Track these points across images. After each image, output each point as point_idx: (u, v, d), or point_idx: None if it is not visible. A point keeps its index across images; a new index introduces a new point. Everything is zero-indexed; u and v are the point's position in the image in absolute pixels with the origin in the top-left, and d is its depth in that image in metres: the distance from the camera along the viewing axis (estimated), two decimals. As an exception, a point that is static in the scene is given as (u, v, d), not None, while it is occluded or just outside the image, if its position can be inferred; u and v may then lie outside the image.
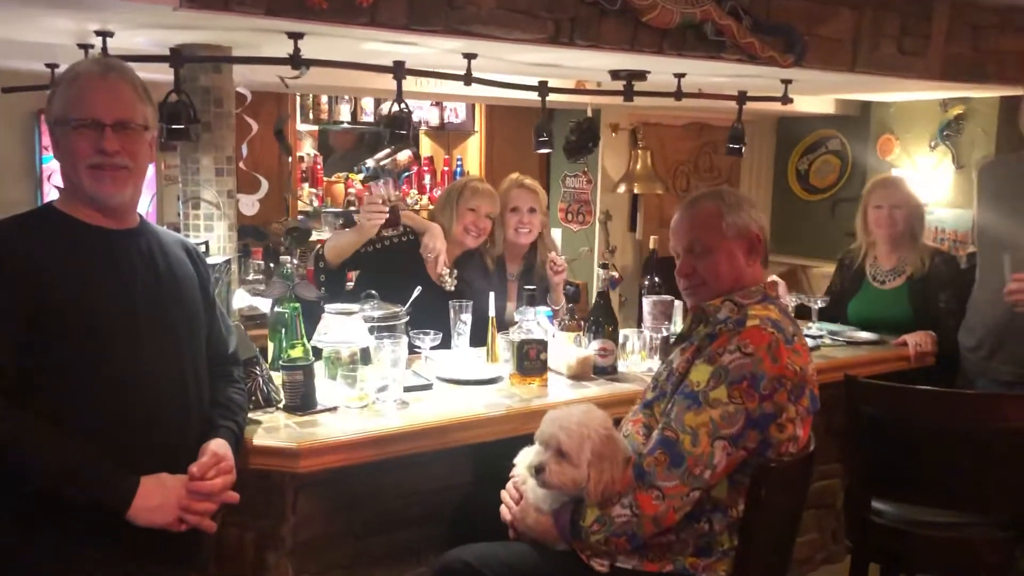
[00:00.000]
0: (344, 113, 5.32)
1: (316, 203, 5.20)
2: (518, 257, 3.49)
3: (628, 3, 2.49)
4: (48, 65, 3.15)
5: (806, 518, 3.27)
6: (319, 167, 5.35)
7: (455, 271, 3.15)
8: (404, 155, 5.64)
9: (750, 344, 1.92)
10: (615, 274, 5.54)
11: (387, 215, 2.94)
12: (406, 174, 5.59)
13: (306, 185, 5.21)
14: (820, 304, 3.55)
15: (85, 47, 2.76)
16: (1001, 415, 2.53)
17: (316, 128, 5.50)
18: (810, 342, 3.28)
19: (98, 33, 2.48)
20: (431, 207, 4.74)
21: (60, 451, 1.70)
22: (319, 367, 2.54)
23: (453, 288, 3.13)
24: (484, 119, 5.55)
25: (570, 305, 3.14)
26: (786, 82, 3.46)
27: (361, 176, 5.54)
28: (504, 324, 3.12)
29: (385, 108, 5.27)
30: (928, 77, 3.29)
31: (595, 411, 2.07)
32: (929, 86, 3.77)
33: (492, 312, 2.94)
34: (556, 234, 5.79)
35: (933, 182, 4.56)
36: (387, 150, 5.72)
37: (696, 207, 2.15)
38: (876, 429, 2.66)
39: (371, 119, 5.44)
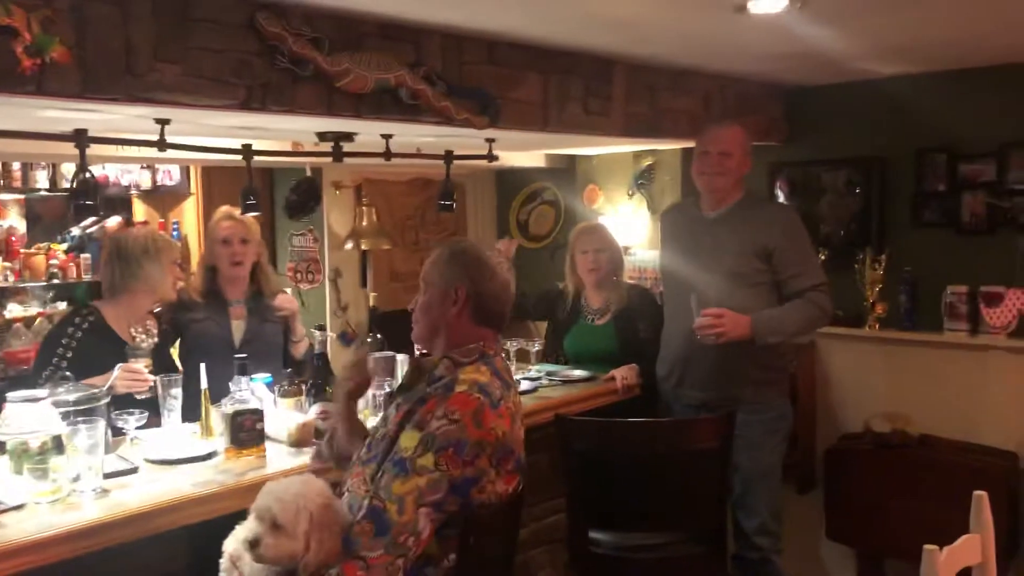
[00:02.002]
0: (42, 180, 4.93)
1: (12, 278, 4.76)
2: (239, 287, 3.43)
3: (321, 70, 2.52)
4: None
5: (538, 556, 3.41)
6: (14, 238, 4.90)
7: (150, 329, 2.99)
8: (113, 221, 5.33)
9: (456, 411, 1.97)
10: (349, 330, 5.52)
11: (148, 384, 2.81)
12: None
13: (-1, 259, 4.76)
14: (537, 347, 3.77)
15: None
16: (689, 437, 2.80)
17: (20, 196, 5.05)
18: (528, 384, 3.47)
19: None
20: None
21: None
22: (7, 461, 2.32)
23: (153, 343, 2.96)
24: (200, 180, 5.36)
25: (288, 371, 3.10)
26: (490, 140, 3.66)
27: (65, 246, 5.17)
28: (231, 346, 3.18)
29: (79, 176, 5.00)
30: (613, 134, 3.61)
31: (313, 481, 2.04)
32: (615, 141, 4.13)
33: (204, 384, 2.83)
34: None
35: (633, 227, 4.97)
36: (93, 217, 5.39)
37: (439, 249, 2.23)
38: (587, 462, 2.84)
39: (66, 186, 5.08)
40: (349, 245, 5.44)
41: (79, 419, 2.34)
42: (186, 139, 3.10)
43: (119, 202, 5.57)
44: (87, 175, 2.43)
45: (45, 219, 5.50)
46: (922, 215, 4.17)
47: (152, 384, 2.82)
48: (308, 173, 4.63)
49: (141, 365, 2.83)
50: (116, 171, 5.06)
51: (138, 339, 2.84)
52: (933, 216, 4.13)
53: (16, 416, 2.33)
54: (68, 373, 2.71)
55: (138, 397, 2.79)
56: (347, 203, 5.60)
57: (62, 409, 2.41)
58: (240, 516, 2.17)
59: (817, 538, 4.10)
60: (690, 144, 3.66)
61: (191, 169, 5.34)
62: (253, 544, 1.92)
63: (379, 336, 3.51)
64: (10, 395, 2.39)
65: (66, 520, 2.12)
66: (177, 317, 3.34)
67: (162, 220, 5.42)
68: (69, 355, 2.96)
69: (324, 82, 2.57)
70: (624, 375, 3.58)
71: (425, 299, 2.18)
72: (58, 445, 2.39)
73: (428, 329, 2.18)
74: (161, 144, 2.67)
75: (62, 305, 5.12)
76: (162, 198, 5.54)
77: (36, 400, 2.37)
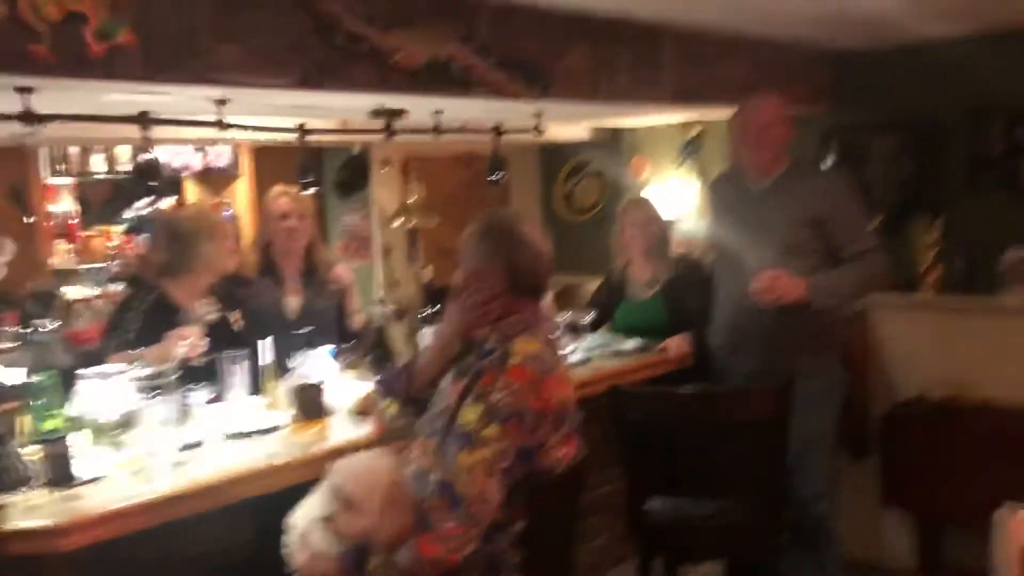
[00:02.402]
0: (98, 163, 5.03)
1: (73, 260, 4.89)
2: (294, 263, 3.50)
3: (374, 46, 2.55)
4: None
5: (596, 523, 3.44)
6: (74, 222, 5.03)
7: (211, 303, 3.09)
8: (168, 202, 5.44)
9: (515, 383, 2.01)
10: (399, 307, 5.58)
11: (200, 349, 2.91)
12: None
13: (60, 242, 4.88)
14: (589, 319, 3.79)
15: None
16: (745, 407, 2.80)
17: (72, 181, 5.16)
18: (582, 355, 3.49)
19: None
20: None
21: None
22: (85, 435, 2.41)
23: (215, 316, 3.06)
24: (251, 161, 5.43)
25: (348, 343, 3.16)
26: (538, 114, 3.66)
27: (123, 228, 5.29)
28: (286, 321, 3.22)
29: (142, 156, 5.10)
30: (663, 102, 3.59)
31: (383, 458, 2.09)
32: (664, 111, 4.11)
33: (267, 358, 2.90)
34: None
35: (681, 197, 4.94)
36: (147, 199, 5.51)
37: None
38: (643, 432, 2.86)
39: (128, 168, 5.18)
40: (398, 222, 5.49)
41: (151, 394, 2.42)
42: (242, 119, 3.15)
43: (171, 184, 5.67)
44: (151, 156, 2.48)
45: (95, 203, 5.61)
46: (978, 179, 4.09)
47: (205, 349, 2.90)
48: (357, 151, 4.67)
49: (193, 331, 2.90)
50: (167, 154, 5.14)
51: (200, 311, 2.92)
52: (990, 180, 4.05)
53: (91, 391, 2.42)
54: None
55: (194, 363, 2.87)
56: (395, 180, 5.64)
57: (135, 384, 2.50)
58: (307, 488, 2.23)
59: (873, 505, 4.09)
60: (736, 111, 3.63)
61: (241, 150, 5.41)
62: (327, 521, 1.96)
63: (434, 309, 3.56)
64: (84, 371, 2.47)
65: (145, 490, 2.19)
66: (233, 293, 3.41)
67: (214, 201, 5.51)
68: (134, 333, 3.04)
69: (378, 58, 2.59)
70: (677, 344, 3.59)
71: (464, 277, 2.21)
72: (132, 419, 2.48)
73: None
74: (220, 124, 2.71)
75: (118, 288, 5.23)
76: (213, 179, 5.63)
77: (108, 376, 2.45)
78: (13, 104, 2.38)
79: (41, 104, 2.39)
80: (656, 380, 3.44)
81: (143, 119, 2.48)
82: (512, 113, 3.61)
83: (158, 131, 2.98)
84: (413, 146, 5.57)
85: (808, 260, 3.22)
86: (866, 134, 4.41)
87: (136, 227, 5.33)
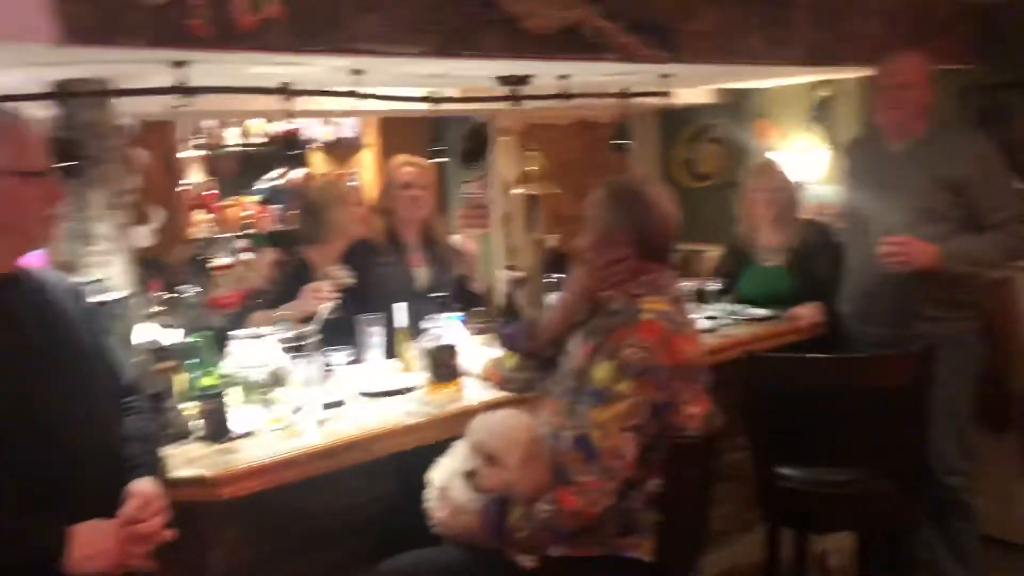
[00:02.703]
0: (232, 136, 5.25)
1: (212, 230, 5.14)
2: (415, 232, 3.58)
3: (507, 12, 2.57)
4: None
5: (723, 490, 3.41)
6: (211, 193, 5.27)
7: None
8: (298, 173, 5.62)
9: (646, 339, 2.03)
10: (519, 274, 5.63)
11: (331, 301, 3.04)
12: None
13: (198, 212, 5.13)
14: (715, 287, 3.73)
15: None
16: (879, 374, 2.73)
17: (205, 153, 5.40)
18: (710, 323, 3.45)
19: (-28, 74, 2.41)
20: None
21: None
22: (235, 392, 2.54)
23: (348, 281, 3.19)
24: (377, 132, 5.56)
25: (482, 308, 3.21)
26: (665, 76, 3.61)
27: (257, 199, 5.51)
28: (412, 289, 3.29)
29: (273, 128, 5.29)
30: (795, 63, 3.49)
31: (520, 415, 2.15)
32: (796, 72, 3.98)
33: (401, 322, 2.98)
34: (457, 240, 5.86)
35: (809, 161, 4.79)
36: (279, 170, 5.71)
37: None
38: (777, 398, 2.82)
39: (258, 141, 5.38)
40: (518, 190, 5.52)
41: (296, 354, 2.53)
42: (373, 90, 3.23)
43: (296, 156, 5.84)
44: (294, 126, 2.57)
45: (222, 174, 5.83)
46: None
47: (335, 303, 3.03)
48: (479, 120, 4.72)
49: (325, 285, 3.04)
50: (298, 125, 5.31)
51: (336, 274, 3.04)
52: None
53: (243, 351, 2.55)
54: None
55: (323, 315, 2.97)
56: (514, 149, 5.67)
57: (281, 345, 2.61)
58: (442, 446, 2.30)
59: (1013, 481, 3.91)
60: (873, 72, 3.49)
61: (367, 121, 5.54)
62: (470, 475, 2.04)
63: (557, 277, 3.58)
64: (236, 332, 2.61)
65: (293, 445, 2.30)
66: (361, 260, 3.51)
67: (340, 172, 5.67)
68: (277, 294, 3.18)
69: (509, 24, 2.61)
70: (809, 313, 3.50)
71: (592, 240, 2.22)
72: (279, 378, 2.60)
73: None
74: (355, 94, 2.79)
75: (249, 256, 5.45)
76: (340, 151, 5.78)
77: (259, 337, 2.57)
78: (163, 78, 2.51)
79: (189, 78, 2.51)
80: (783, 348, 3.37)
81: (286, 90, 2.56)
82: (636, 77, 3.57)
83: (296, 103, 3.10)
84: (530, 115, 5.60)
85: (945, 226, 3.09)
86: (1011, 93, 4.18)
87: (269, 197, 5.54)
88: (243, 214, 5.23)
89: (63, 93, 2.51)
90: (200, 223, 5.06)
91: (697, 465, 2.12)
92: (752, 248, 3.83)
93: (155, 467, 1.98)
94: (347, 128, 5.56)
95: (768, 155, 4.84)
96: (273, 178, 5.63)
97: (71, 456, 1.80)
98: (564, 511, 1.97)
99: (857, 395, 2.71)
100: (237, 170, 5.82)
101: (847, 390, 2.72)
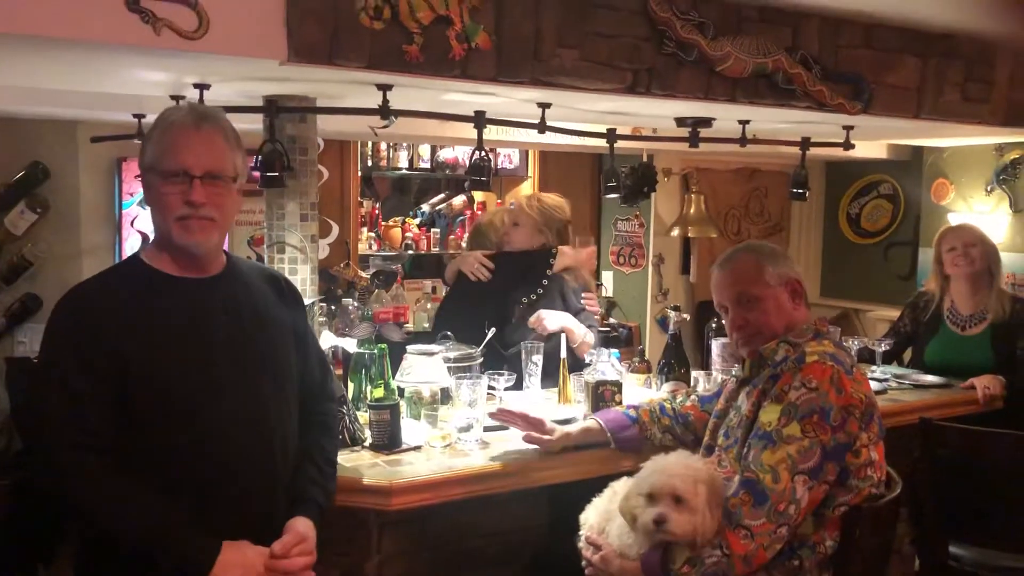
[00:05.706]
0: (402, 160, 5.43)
1: (374, 247, 5.32)
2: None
3: (704, 54, 2.57)
4: (135, 115, 3.27)
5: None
6: (376, 212, 5.47)
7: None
8: (459, 200, 5.75)
9: (813, 379, 1.99)
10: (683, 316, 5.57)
11: (485, 273, 3.25)
12: (460, 218, 5.69)
13: (364, 230, 5.32)
14: (884, 347, 3.55)
15: (176, 97, 2.88)
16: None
17: (376, 175, 5.61)
18: (876, 385, 3.30)
19: (196, 86, 2.59)
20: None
21: (147, 513, 1.73)
22: (404, 405, 2.60)
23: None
24: (537, 164, 5.64)
25: (640, 347, 3.19)
26: (848, 128, 3.51)
27: (417, 220, 5.66)
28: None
29: (443, 155, 5.44)
30: (992, 123, 3.33)
31: (692, 456, 2.09)
32: (992, 132, 3.80)
33: (563, 354, 2.99)
34: (607, 276, 5.87)
35: (991, 226, 4.56)
36: (442, 195, 5.87)
37: (735, 262, 2.24)
38: (951, 471, 2.67)
39: (427, 165, 5.54)
40: (675, 232, 5.49)
41: (460, 375, 2.58)
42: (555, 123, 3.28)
43: (456, 182, 5.97)
44: (483, 153, 2.64)
45: (379, 195, 6.01)
46: None
47: (486, 278, 3.26)
48: (644, 159, 4.72)
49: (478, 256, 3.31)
50: (462, 153, 5.44)
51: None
52: None
53: (414, 367, 2.61)
54: (449, 332, 2.96)
55: (472, 277, 3.24)
56: (673, 190, 5.65)
57: (448, 365, 2.67)
58: (598, 481, 2.28)
59: None
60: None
61: (529, 153, 5.63)
62: (659, 522, 1.94)
63: (722, 323, 3.50)
64: (410, 348, 2.68)
65: (459, 464, 2.34)
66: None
67: (499, 201, 5.78)
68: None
69: (704, 66, 2.62)
70: (987, 384, 3.30)
71: (760, 310, 2.17)
72: (444, 396, 2.66)
73: (779, 330, 2.16)
74: (541, 127, 2.84)
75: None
76: (499, 180, 5.89)
77: (431, 354, 2.64)
78: (360, 99, 2.62)
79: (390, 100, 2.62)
80: (957, 420, 3.19)
81: (479, 118, 2.64)
82: (815, 127, 3.49)
83: (458, 131, 3.17)
84: (696, 158, 5.56)
85: None
86: None
87: (429, 221, 5.69)
88: (406, 235, 5.38)
89: (273, 107, 2.66)
90: (366, 240, 5.25)
91: (879, 532, 2.02)
92: (941, 313, 3.62)
93: (324, 503, 1.96)
94: (509, 159, 5.66)
95: (944, 215, 4.65)
96: (436, 203, 5.78)
97: (232, 465, 1.82)
98: (734, 555, 1.91)
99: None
100: (388, 193, 6.01)
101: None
